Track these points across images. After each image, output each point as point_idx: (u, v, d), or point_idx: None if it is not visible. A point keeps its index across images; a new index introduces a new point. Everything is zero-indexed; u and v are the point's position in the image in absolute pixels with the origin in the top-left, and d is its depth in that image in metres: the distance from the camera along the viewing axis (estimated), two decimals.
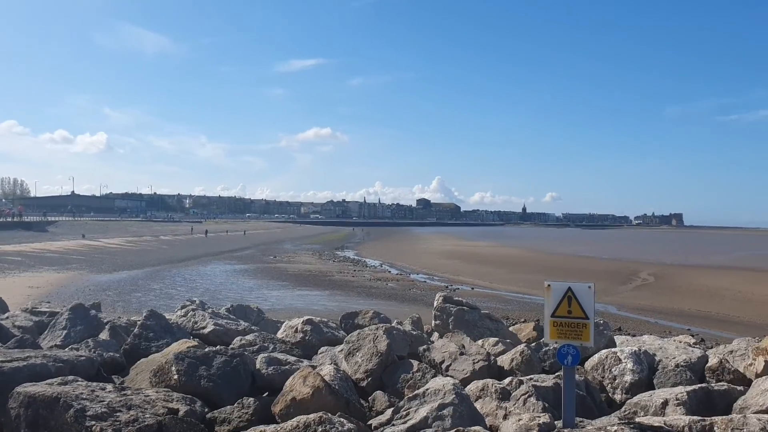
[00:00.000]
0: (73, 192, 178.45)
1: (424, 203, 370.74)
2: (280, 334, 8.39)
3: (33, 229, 66.70)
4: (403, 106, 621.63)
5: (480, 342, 7.62)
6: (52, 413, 4.91)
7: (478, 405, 5.37)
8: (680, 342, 8.08)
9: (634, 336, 10.13)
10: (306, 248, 66.83)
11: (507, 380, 5.78)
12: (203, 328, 8.24)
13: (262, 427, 4.52)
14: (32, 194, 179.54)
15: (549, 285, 4.73)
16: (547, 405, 5.34)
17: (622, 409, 5.58)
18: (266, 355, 6.44)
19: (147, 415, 4.88)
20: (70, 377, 5.54)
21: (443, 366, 6.63)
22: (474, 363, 6.46)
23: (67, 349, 6.96)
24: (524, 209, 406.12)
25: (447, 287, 29.21)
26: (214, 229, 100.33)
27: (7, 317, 8.75)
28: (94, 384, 5.46)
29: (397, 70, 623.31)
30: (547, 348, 7.21)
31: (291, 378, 5.43)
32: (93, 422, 4.76)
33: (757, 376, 6.15)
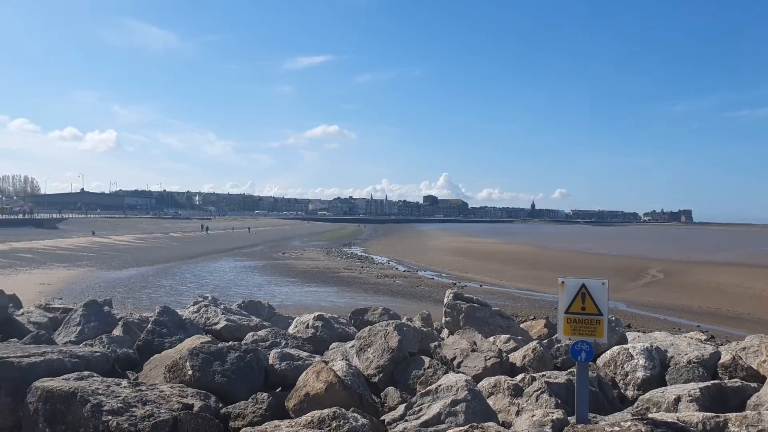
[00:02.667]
0: (83, 189, 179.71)
1: (431, 200, 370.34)
2: (291, 330, 8.42)
3: (43, 226, 67.14)
4: (410, 102, 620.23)
5: (491, 339, 7.63)
6: (69, 408, 4.96)
7: (490, 401, 5.38)
8: (692, 338, 8.07)
9: (645, 333, 10.11)
10: (314, 245, 66.93)
11: (519, 377, 5.79)
12: (216, 323, 8.28)
13: (276, 422, 4.56)
14: (42, 192, 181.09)
15: (563, 281, 4.74)
16: (559, 401, 5.36)
17: (635, 405, 5.58)
18: (279, 350, 6.47)
19: (162, 411, 4.92)
20: (86, 373, 5.59)
21: (455, 363, 6.64)
22: (486, 360, 6.48)
23: (81, 345, 7.02)
24: (533, 206, 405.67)
25: (455, 284, 29.21)
26: (223, 226, 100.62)
27: (22, 313, 8.83)
28: (110, 379, 5.51)
29: (405, 67, 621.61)
30: (560, 345, 7.22)
31: (304, 373, 5.46)
32: (109, 417, 4.81)
33: None
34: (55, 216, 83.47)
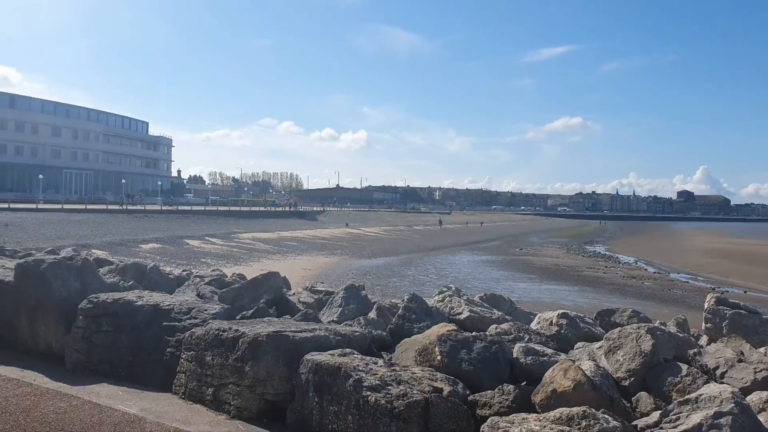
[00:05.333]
0: (338, 185, 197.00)
1: (685, 196, 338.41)
2: (533, 326, 8.36)
3: (306, 217, 75.04)
4: (663, 89, 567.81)
5: (762, 350, 6.81)
6: (334, 381, 5.53)
7: (761, 418, 4.84)
8: None
9: None
10: (552, 241, 65.47)
11: None
12: (459, 314, 8.53)
13: (524, 415, 4.61)
14: (305, 187, 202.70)
15: None
16: None
17: None
18: (523, 344, 6.50)
19: (414, 391, 5.24)
20: (348, 350, 6.14)
21: (717, 372, 6.07)
22: (756, 372, 5.81)
23: (342, 325, 7.75)
24: None
25: (714, 289, 26.46)
26: (459, 220, 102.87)
27: (293, 294, 10.01)
28: (368, 358, 6.00)
29: (658, 52, 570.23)
30: None
31: (551, 369, 5.42)
32: (368, 393, 5.25)
33: None
34: (315, 209, 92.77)
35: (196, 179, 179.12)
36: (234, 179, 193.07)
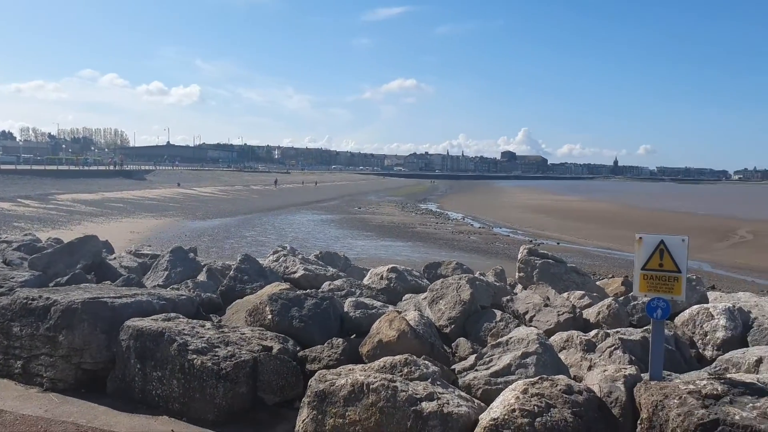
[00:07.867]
0: (168, 142, 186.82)
1: (509, 156, 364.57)
2: (366, 281, 8.59)
3: (133, 177, 70.40)
4: (490, 54, 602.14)
5: (565, 295, 7.55)
6: (157, 346, 5.32)
7: (562, 356, 5.38)
8: None
9: (727, 293, 9.73)
10: (389, 200, 67.40)
11: (593, 332, 5.74)
12: (294, 272, 8.54)
13: (350, 366, 4.73)
14: (131, 144, 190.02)
15: (640, 237, 4.62)
16: (633, 358, 5.28)
17: (713, 365, 5.43)
18: (354, 299, 6.65)
19: (243, 352, 5.20)
20: (173, 314, 5.95)
21: (527, 317, 6.64)
22: (559, 315, 6.44)
23: (168, 289, 7.43)
24: (616, 162, 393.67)
25: (531, 241, 28.82)
26: (298, 180, 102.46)
27: (114, 258, 9.41)
28: (195, 321, 5.85)
29: (485, 18, 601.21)
30: (636, 302, 7.08)
31: (378, 321, 5.61)
32: (194, 356, 5.13)
33: None
34: (143, 168, 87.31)
35: (6, 135, 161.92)
36: (50, 135, 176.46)
